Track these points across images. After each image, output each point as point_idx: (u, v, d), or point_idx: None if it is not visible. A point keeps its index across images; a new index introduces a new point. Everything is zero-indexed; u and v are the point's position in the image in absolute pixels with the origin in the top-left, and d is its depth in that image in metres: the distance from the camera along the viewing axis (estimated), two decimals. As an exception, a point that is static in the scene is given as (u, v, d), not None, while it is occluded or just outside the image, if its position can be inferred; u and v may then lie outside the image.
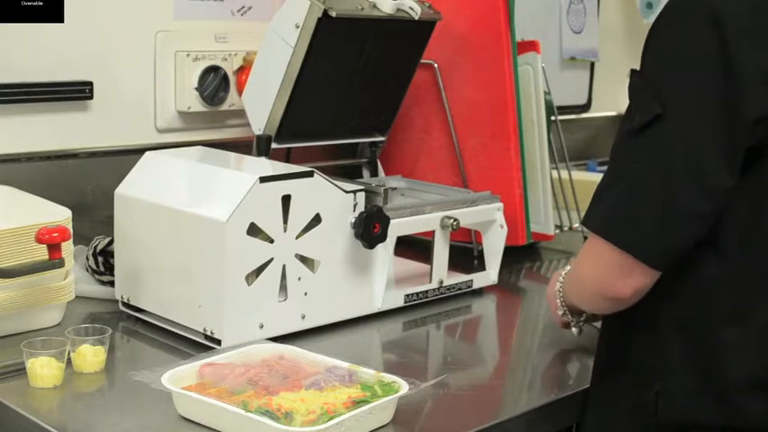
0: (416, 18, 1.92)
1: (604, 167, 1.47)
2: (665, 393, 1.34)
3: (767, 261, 1.31)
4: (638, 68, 1.33)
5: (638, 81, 1.31)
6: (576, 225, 2.24)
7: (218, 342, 1.51)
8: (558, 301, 1.55)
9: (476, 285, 1.89)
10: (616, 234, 1.30)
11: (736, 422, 1.32)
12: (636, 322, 1.38)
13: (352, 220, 1.63)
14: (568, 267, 1.54)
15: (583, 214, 1.40)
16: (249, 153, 1.81)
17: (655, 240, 1.29)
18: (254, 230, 1.51)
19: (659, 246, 1.29)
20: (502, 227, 1.90)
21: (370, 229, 1.62)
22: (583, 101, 2.96)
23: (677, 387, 1.34)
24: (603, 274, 1.34)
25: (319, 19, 1.79)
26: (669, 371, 1.34)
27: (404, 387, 1.32)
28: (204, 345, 1.53)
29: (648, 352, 1.37)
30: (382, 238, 1.65)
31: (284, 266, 1.56)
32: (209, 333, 1.52)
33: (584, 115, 2.97)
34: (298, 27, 1.80)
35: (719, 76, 1.24)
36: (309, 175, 1.58)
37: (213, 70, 2.02)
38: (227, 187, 1.53)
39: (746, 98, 1.24)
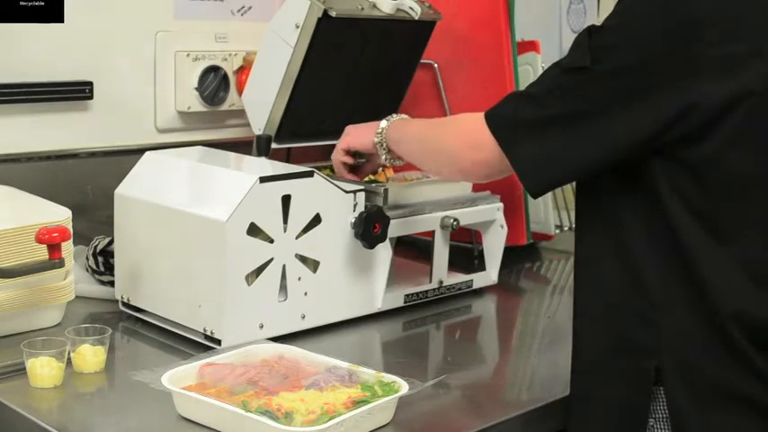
0: (416, 18, 1.92)
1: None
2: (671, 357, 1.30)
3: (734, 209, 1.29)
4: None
5: (585, 32, 1.36)
6: (576, 225, 2.24)
7: (218, 342, 1.51)
8: (382, 149, 1.65)
9: (476, 285, 1.89)
10: (511, 143, 1.37)
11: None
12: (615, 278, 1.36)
13: (352, 220, 1.63)
14: (396, 117, 1.65)
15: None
16: (249, 153, 1.81)
17: (542, 164, 1.35)
18: (254, 230, 1.51)
19: (544, 171, 1.36)
20: (502, 227, 1.89)
21: (370, 229, 1.62)
22: (583, 101, 2.96)
23: (679, 328, 1.30)
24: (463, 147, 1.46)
25: (319, 19, 1.79)
26: (671, 313, 1.30)
27: (404, 387, 1.32)
28: (204, 345, 1.53)
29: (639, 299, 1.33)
30: (382, 238, 1.65)
31: (284, 266, 1.56)
32: (209, 333, 1.52)
33: (584, 115, 2.96)
34: (298, 27, 1.80)
35: (667, 53, 1.26)
36: (309, 175, 1.58)
37: (213, 70, 2.02)
38: (227, 187, 1.53)
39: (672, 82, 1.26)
